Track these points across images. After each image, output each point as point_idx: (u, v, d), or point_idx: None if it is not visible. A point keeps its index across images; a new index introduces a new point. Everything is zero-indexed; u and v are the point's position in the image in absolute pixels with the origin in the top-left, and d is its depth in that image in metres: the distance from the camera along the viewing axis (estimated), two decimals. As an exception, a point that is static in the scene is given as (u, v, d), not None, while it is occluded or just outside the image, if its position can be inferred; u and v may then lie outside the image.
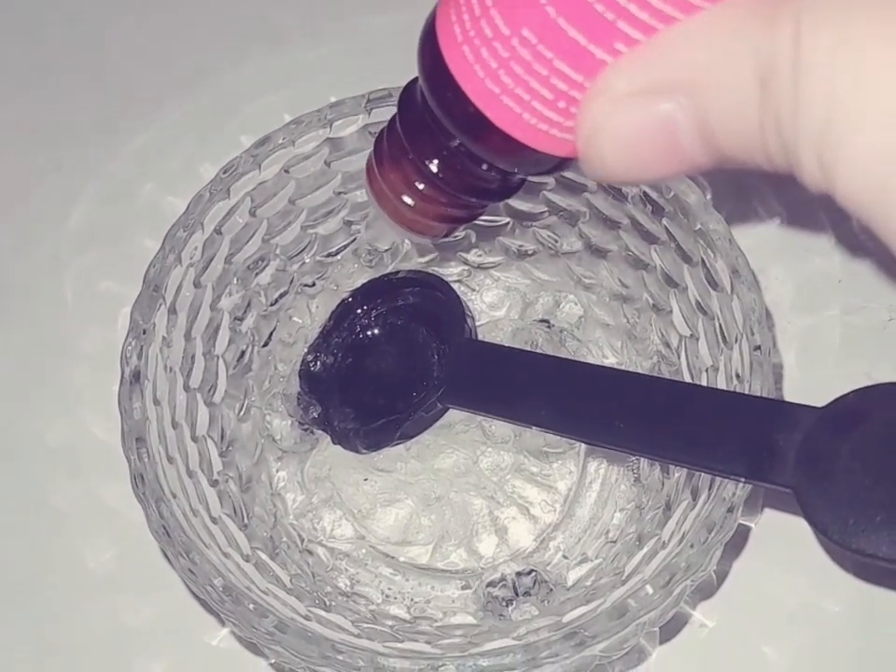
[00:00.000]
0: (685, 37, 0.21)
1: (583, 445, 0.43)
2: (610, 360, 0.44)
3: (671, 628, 0.41)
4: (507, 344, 0.44)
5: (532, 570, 0.41)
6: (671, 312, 0.40)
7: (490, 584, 0.41)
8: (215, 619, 0.41)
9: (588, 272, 0.43)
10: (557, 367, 0.39)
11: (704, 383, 0.37)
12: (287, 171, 0.39)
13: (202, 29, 0.52)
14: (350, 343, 0.44)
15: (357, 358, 0.44)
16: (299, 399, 0.43)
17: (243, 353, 0.42)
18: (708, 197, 0.37)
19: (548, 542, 0.42)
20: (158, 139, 0.50)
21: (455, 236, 0.44)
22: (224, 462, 0.40)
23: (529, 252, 0.44)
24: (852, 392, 0.29)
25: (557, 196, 0.41)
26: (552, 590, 0.40)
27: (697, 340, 0.38)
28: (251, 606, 0.33)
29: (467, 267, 0.45)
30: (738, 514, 0.33)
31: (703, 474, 0.35)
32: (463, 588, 0.41)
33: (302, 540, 0.42)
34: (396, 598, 0.41)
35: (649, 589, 0.32)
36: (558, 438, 0.42)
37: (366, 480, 0.43)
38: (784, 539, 0.41)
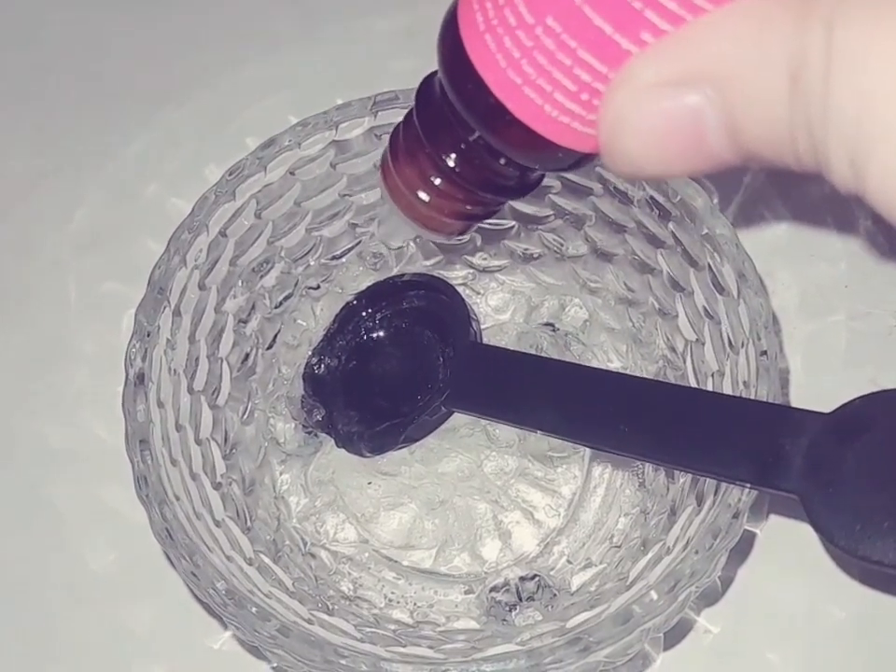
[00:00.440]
0: (714, 29, 0.20)
1: (588, 450, 0.42)
2: (615, 364, 0.44)
3: (675, 634, 0.41)
4: (512, 348, 0.43)
5: (536, 575, 0.41)
6: (677, 316, 0.40)
7: (493, 589, 0.41)
8: (217, 622, 0.41)
9: (594, 275, 0.43)
10: (562, 371, 0.39)
11: (709, 388, 0.37)
12: (292, 173, 0.39)
13: (207, 30, 0.52)
14: (354, 346, 0.44)
15: (362, 361, 0.43)
16: (303, 401, 0.43)
17: (247, 355, 0.42)
18: (715, 201, 0.36)
19: (552, 547, 0.42)
20: (162, 140, 0.50)
21: (460, 239, 0.43)
22: (227, 465, 0.40)
23: (535, 255, 0.44)
24: (858, 398, 0.29)
25: (563, 199, 0.41)
26: (555, 595, 0.40)
27: (703, 344, 0.38)
28: (254, 609, 0.33)
29: (472, 270, 0.45)
30: (744, 520, 0.32)
31: (708, 480, 0.35)
32: (466, 593, 0.41)
33: (305, 544, 0.42)
34: (399, 602, 0.41)
35: (653, 595, 0.32)
36: (563, 442, 0.42)
37: (370, 483, 0.43)
38: (789, 546, 0.41)
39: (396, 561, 0.42)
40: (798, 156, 0.20)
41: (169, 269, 0.37)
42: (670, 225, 0.37)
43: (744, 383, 0.34)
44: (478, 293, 0.45)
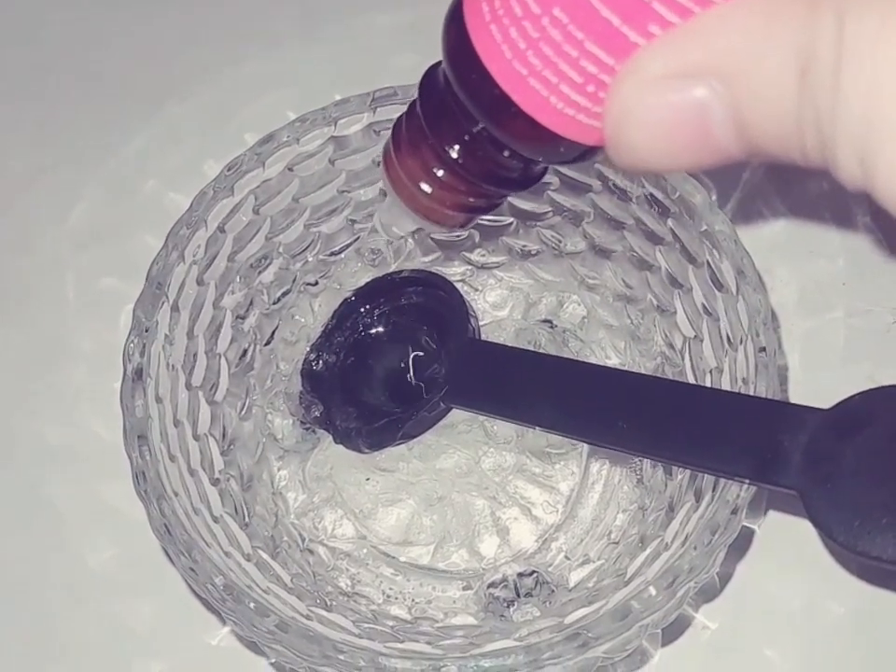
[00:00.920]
0: (723, 21, 0.20)
1: (586, 446, 0.42)
2: (614, 361, 0.44)
3: (674, 630, 0.40)
4: (510, 345, 0.43)
5: (534, 571, 0.41)
6: (675, 313, 0.40)
7: (491, 585, 0.41)
8: (215, 618, 0.41)
9: (592, 272, 0.43)
10: (560, 367, 0.39)
11: (708, 384, 0.37)
12: (291, 169, 0.39)
13: (207, 26, 0.52)
14: (352, 343, 0.44)
15: (360, 358, 0.43)
16: (301, 397, 0.43)
17: (245, 351, 0.42)
18: (714, 198, 0.36)
19: (550, 543, 0.42)
20: (160, 136, 0.50)
21: (458, 235, 0.43)
22: (225, 461, 0.40)
23: (533, 252, 0.44)
24: (857, 394, 0.29)
25: (561, 196, 0.41)
26: (553, 591, 0.40)
27: (701, 341, 0.38)
28: (252, 605, 0.33)
29: (470, 267, 0.45)
30: (742, 516, 0.32)
31: (707, 476, 0.35)
32: (464, 589, 0.41)
33: (304, 540, 0.42)
34: (397, 599, 0.41)
35: (652, 591, 0.32)
36: (561, 438, 0.42)
37: (368, 479, 0.43)
38: (788, 542, 0.41)
39: (394, 557, 0.42)
40: (805, 152, 0.20)
41: (167, 264, 0.37)
42: (669, 221, 0.37)
43: (742, 379, 0.34)
44: (476, 289, 0.45)
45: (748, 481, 0.32)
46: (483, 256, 0.45)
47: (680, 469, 0.38)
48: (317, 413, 0.43)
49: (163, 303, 0.37)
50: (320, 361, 0.44)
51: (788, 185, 0.47)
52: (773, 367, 0.33)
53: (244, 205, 0.39)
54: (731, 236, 0.35)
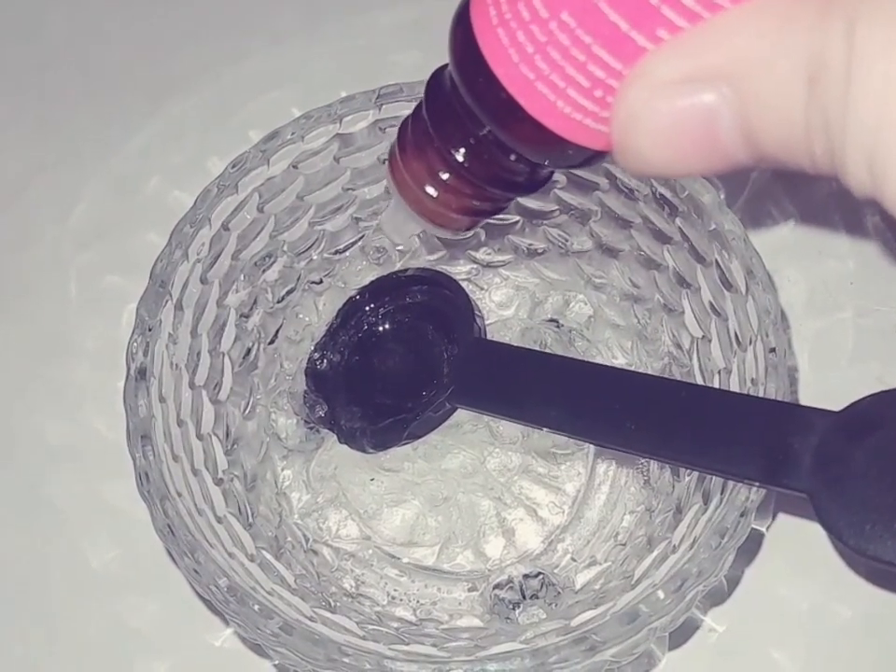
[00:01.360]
0: (732, 26, 0.20)
1: (592, 447, 0.42)
2: (620, 361, 0.43)
3: (681, 633, 0.40)
4: (516, 344, 0.43)
5: (540, 573, 0.41)
6: (683, 313, 0.39)
7: (497, 587, 0.41)
8: (219, 619, 0.41)
9: (599, 271, 0.43)
10: (566, 367, 0.39)
11: (716, 385, 0.37)
12: (295, 166, 0.39)
13: (209, 21, 0.52)
14: (357, 342, 0.43)
15: (365, 357, 0.43)
16: (305, 397, 0.43)
17: (249, 350, 0.42)
18: (722, 197, 0.36)
19: (556, 544, 0.42)
20: (164, 133, 0.50)
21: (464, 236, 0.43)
22: (229, 460, 0.40)
23: (539, 251, 0.44)
24: (868, 396, 0.29)
25: (568, 194, 0.40)
26: (559, 593, 0.40)
27: (710, 341, 0.38)
28: (256, 606, 0.32)
29: (476, 265, 0.45)
30: (751, 519, 0.32)
31: (715, 478, 0.34)
32: (469, 590, 0.41)
33: (308, 540, 0.42)
34: (402, 600, 0.41)
35: (660, 594, 0.31)
36: (567, 439, 0.41)
37: (372, 480, 0.43)
38: (797, 544, 0.41)
39: (398, 558, 0.42)
40: (814, 159, 0.20)
41: (171, 263, 0.37)
42: (677, 221, 0.37)
43: (752, 380, 0.34)
44: (482, 288, 0.45)
45: (757, 483, 0.31)
46: (489, 254, 0.44)
47: (688, 470, 0.37)
48: (321, 413, 0.43)
49: (167, 302, 0.36)
50: (324, 360, 0.43)
51: (797, 185, 0.47)
52: (783, 368, 0.33)
53: (248, 203, 0.38)
54: (740, 235, 0.35)
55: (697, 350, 0.39)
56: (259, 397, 0.43)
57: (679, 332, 0.40)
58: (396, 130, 0.38)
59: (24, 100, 0.52)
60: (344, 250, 0.43)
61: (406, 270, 0.44)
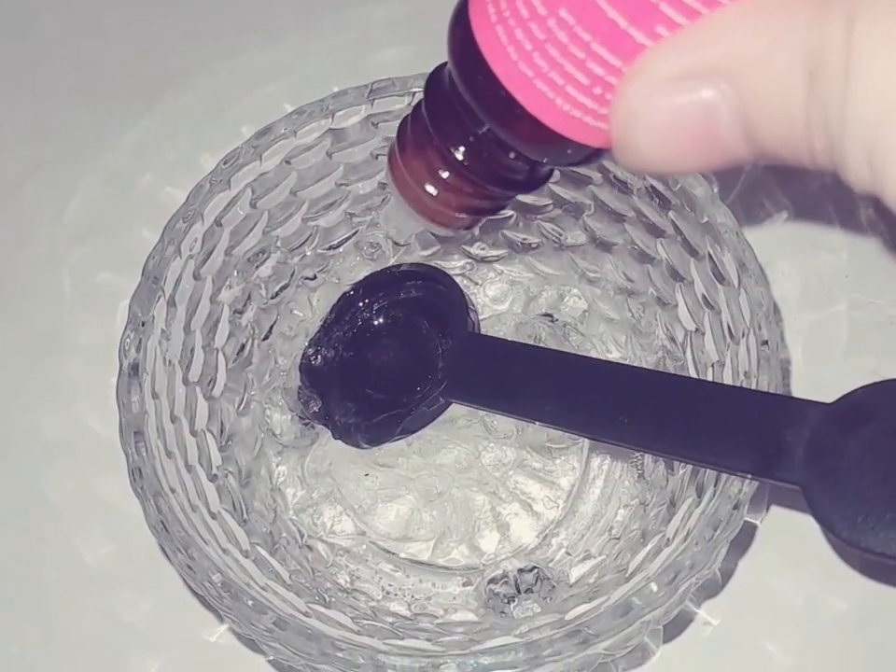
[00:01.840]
0: (731, 22, 0.20)
1: (587, 441, 0.42)
2: (615, 355, 0.43)
3: (675, 626, 0.40)
4: (510, 339, 0.43)
5: (534, 567, 0.41)
6: (676, 306, 0.39)
7: (492, 581, 0.41)
8: (213, 615, 0.41)
9: (592, 265, 0.43)
10: (561, 361, 0.39)
11: (710, 378, 0.37)
12: (288, 162, 0.39)
13: (202, 18, 0.52)
14: (351, 337, 0.43)
15: (359, 352, 0.43)
16: (299, 393, 0.43)
17: (243, 346, 0.42)
18: (715, 190, 0.36)
19: (550, 539, 0.42)
20: (157, 129, 0.50)
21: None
22: (223, 457, 0.40)
23: (533, 245, 0.44)
24: (861, 388, 0.29)
25: (562, 189, 0.40)
26: (554, 587, 0.40)
27: (703, 335, 0.38)
28: (250, 602, 0.32)
29: (470, 260, 0.45)
30: (744, 511, 0.32)
31: (708, 471, 0.34)
32: (464, 585, 0.41)
33: (302, 536, 0.42)
34: (396, 595, 0.41)
35: (653, 587, 0.31)
36: (561, 433, 0.41)
37: (367, 475, 0.43)
38: (790, 537, 0.41)
39: (393, 553, 0.42)
40: (814, 154, 0.20)
41: (163, 259, 0.37)
42: (670, 214, 0.37)
43: (745, 373, 0.34)
44: (476, 283, 0.45)
45: (750, 475, 0.31)
46: (483, 249, 0.44)
47: (682, 463, 0.37)
48: (316, 409, 0.43)
49: (160, 298, 0.36)
50: (319, 356, 0.43)
51: (790, 178, 0.46)
52: (775, 360, 0.33)
53: (241, 199, 0.38)
54: (733, 228, 0.35)
55: (691, 343, 0.39)
56: (253, 393, 0.43)
57: (672, 326, 0.40)
58: (388, 125, 0.38)
59: (18, 97, 0.52)
60: (338, 246, 0.43)
61: (400, 265, 0.44)
